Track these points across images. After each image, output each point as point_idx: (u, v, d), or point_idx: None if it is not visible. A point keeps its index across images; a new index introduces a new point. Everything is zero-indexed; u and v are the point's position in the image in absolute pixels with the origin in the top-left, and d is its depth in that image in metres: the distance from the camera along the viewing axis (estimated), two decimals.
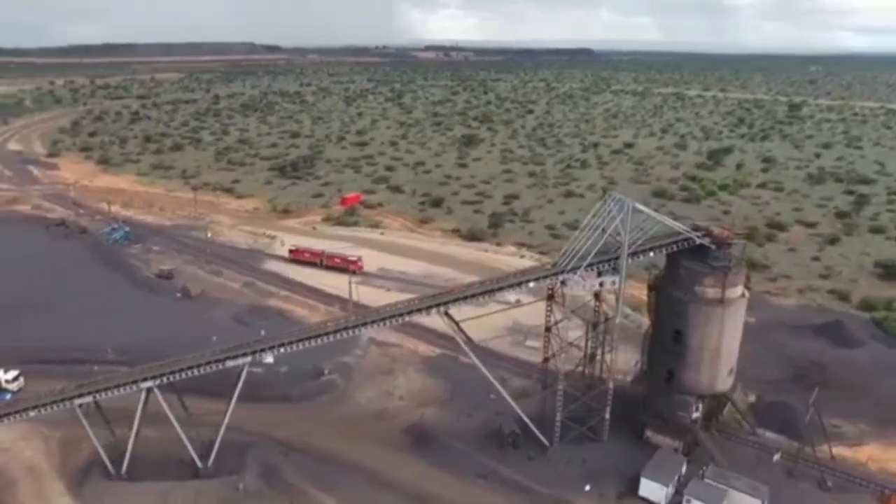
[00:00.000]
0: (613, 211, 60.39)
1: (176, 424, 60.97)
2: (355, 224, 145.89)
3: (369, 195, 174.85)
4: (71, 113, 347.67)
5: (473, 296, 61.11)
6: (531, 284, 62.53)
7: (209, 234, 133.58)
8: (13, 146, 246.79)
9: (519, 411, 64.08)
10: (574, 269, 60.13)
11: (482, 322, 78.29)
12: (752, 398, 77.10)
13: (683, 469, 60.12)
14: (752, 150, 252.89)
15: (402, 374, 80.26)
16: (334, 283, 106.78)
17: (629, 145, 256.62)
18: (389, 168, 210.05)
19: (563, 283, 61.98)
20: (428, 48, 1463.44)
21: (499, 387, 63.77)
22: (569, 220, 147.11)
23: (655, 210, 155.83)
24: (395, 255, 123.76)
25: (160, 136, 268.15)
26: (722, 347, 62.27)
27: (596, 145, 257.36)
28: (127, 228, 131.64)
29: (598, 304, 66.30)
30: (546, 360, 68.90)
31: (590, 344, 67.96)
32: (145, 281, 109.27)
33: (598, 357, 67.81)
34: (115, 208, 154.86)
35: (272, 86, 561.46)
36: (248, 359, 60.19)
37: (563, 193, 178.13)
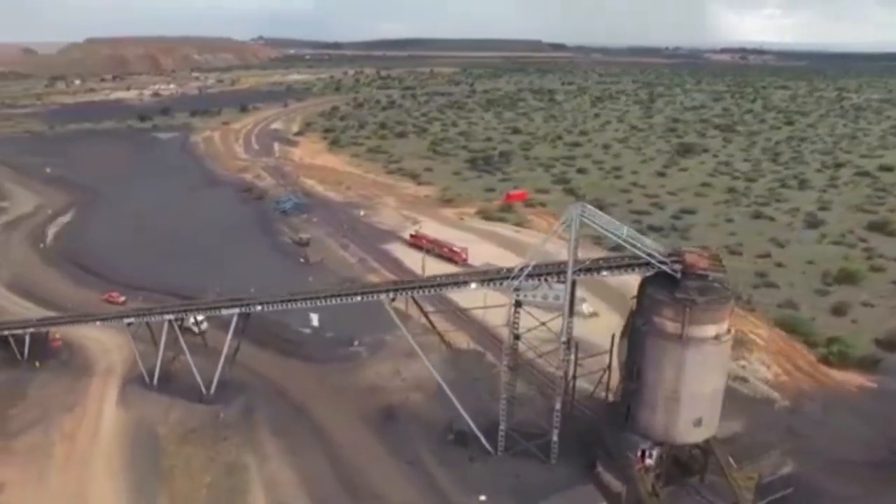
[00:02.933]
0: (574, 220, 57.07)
1: (188, 354, 72.93)
2: (501, 220, 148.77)
3: (541, 195, 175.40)
4: (341, 99, 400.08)
5: (421, 287, 62.70)
6: (473, 286, 61.74)
7: (362, 213, 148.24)
8: (275, 125, 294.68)
9: (462, 412, 63.86)
10: (515, 277, 58.13)
11: None
12: (787, 468, 65.46)
13: None
14: None
15: (423, 359, 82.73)
16: (433, 269, 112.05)
17: (888, 168, 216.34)
18: (581, 170, 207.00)
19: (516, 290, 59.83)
20: (724, 50, 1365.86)
21: (440, 380, 64.25)
22: (731, 241, 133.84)
23: (852, 246, 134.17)
24: (510, 252, 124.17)
25: (395, 124, 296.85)
26: (681, 392, 54.89)
27: (840, 165, 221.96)
28: (297, 200, 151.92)
29: (570, 318, 62.69)
30: (512, 368, 66.82)
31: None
32: (282, 245, 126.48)
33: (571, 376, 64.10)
34: (310, 182, 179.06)
35: (534, 83, 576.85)
36: (237, 310, 69.42)
37: (751, 214, 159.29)
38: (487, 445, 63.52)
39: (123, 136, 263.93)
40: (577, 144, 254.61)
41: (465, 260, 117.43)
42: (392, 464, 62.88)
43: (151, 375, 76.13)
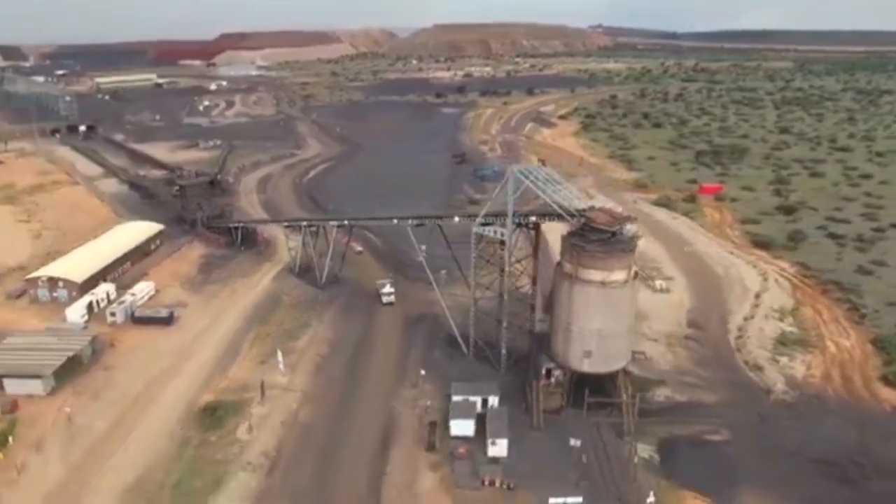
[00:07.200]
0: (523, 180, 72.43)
1: (312, 254, 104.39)
2: (665, 206, 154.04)
3: (744, 191, 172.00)
4: (635, 89, 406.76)
5: (433, 218, 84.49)
6: (456, 220, 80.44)
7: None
8: (546, 108, 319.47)
9: (451, 322, 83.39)
10: (470, 217, 75.65)
11: None
12: (721, 436, 71.33)
13: (493, 399, 70.44)
14: None
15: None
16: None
17: None
18: (816, 174, 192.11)
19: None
20: None
21: (442, 301, 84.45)
22: None
23: None
24: (649, 235, 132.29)
25: (663, 115, 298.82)
26: (572, 324, 67.27)
27: None
28: (497, 168, 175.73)
29: (535, 260, 77.85)
30: (501, 295, 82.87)
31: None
32: (458, 202, 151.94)
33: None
34: (532, 157, 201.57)
35: (872, 82, 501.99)
36: (335, 223, 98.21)
37: None
38: (464, 348, 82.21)
39: (415, 108, 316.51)
40: (844, 149, 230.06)
41: None
42: (396, 342, 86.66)
43: (294, 266, 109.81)
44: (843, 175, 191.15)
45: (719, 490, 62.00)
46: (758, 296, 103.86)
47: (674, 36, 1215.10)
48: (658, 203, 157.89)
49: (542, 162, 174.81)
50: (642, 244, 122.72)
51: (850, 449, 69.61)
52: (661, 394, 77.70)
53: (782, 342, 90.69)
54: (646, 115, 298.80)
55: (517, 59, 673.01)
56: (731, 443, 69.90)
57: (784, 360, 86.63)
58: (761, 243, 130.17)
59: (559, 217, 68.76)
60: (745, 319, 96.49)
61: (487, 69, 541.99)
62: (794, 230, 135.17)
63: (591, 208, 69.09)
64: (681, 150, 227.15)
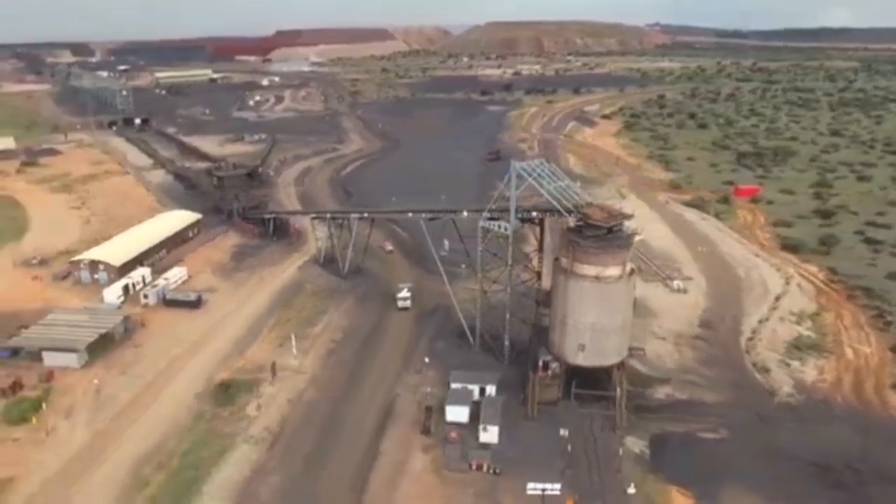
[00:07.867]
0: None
1: (336, 246, 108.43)
2: (698, 207, 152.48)
3: (782, 194, 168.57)
4: (686, 88, 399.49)
5: (446, 212, 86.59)
6: (465, 214, 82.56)
7: (578, 184, 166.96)
8: (591, 107, 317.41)
9: (460, 314, 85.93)
10: (478, 212, 77.76)
11: None
12: (716, 434, 71.90)
13: (490, 388, 72.74)
14: None
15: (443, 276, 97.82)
16: None
17: None
18: (863, 178, 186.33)
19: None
20: None
21: (451, 294, 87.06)
22: None
23: None
24: (678, 236, 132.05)
25: (707, 116, 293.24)
26: (567, 318, 68.96)
27: None
28: None
29: (540, 254, 79.64)
30: (506, 289, 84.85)
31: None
32: (491, 199, 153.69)
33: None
34: (569, 156, 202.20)
35: None
36: (356, 215, 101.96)
37: None
38: (470, 338, 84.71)
39: (460, 105, 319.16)
40: None
41: None
42: (407, 332, 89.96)
43: (320, 256, 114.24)
44: (892, 179, 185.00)
45: (705, 486, 62.82)
46: (777, 298, 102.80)
47: (737, 34, 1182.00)
48: (690, 204, 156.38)
49: (546, 159, 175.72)
50: (665, 244, 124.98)
51: (849, 454, 69.14)
52: (661, 391, 78.42)
53: (796, 346, 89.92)
54: (692, 116, 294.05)
55: (569, 58, 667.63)
56: (725, 442, 70.31)
57: (795, 363, 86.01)
58: (790, 246, 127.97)
59: (558, 213, 70.49)
60: (760, 322, 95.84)
61: (537, 67, 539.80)
62: (827, 234, 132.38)
63: (589, 204, 70.47)
64: (723, 151, 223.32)
